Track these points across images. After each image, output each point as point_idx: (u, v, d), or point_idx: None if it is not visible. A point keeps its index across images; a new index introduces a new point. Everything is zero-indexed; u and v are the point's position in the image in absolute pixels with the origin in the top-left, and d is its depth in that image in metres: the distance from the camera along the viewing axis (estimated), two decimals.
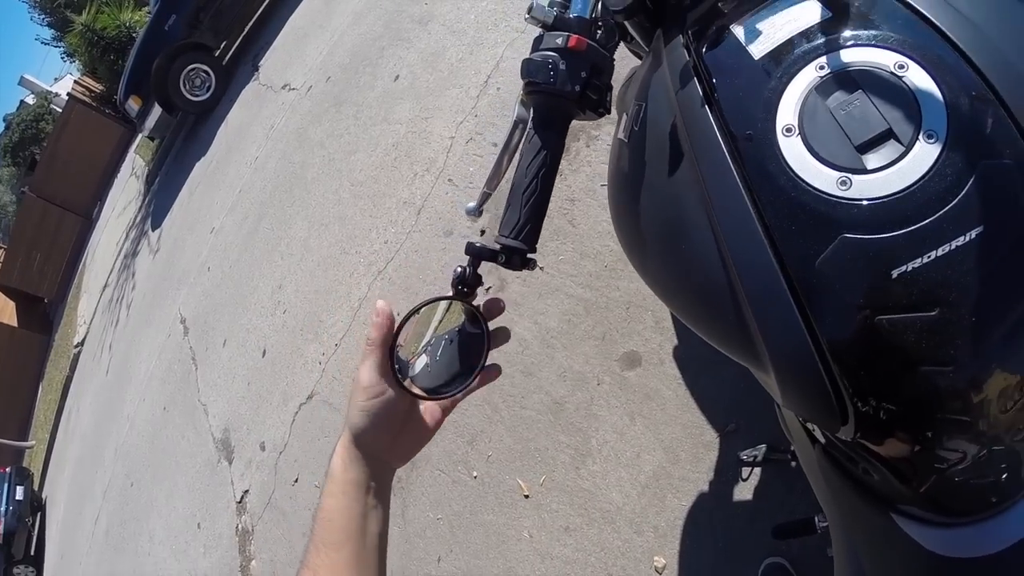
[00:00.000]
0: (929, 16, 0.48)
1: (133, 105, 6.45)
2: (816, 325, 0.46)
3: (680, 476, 1.58)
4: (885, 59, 0.47)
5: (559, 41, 0.54)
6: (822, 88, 0.48)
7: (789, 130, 0.48)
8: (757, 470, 1.44)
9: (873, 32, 0.49)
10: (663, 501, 1.58)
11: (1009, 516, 0.50)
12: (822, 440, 0.59)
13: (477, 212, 0.69)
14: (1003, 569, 0.50)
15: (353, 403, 0.51)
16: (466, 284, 0.53)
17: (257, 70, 5.70)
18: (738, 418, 1.54)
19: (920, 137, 0.45)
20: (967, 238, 0.43)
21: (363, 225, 3.02)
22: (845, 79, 0.48)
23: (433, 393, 0.55)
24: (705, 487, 1.53)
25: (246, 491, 2.90)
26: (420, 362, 0.57)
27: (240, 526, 2.84)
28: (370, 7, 4.14)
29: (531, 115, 0.57)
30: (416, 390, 0.54)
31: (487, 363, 0.56)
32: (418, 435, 0.56)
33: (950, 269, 0.43)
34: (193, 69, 6.14)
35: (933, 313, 0.43)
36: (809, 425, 0.62)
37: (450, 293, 0.54)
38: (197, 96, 6.28)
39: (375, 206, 3.02)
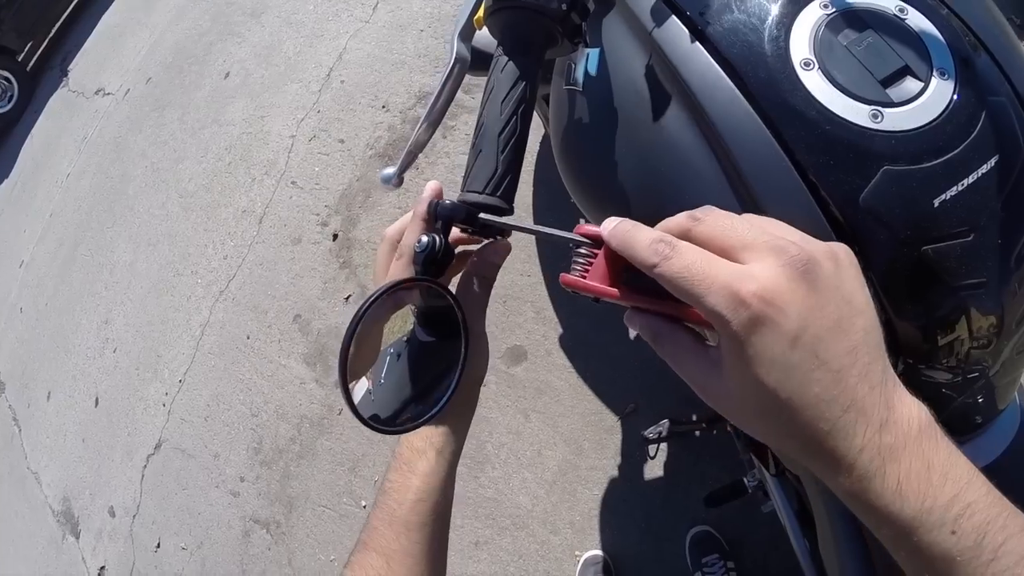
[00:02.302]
0: None
1: None
2: (862, 262, 0.43)
3: (587, 466, 1.36)
4: (885, 2, 0.44)
5: None
6: (832, 25, 0.43)
7: (808, 64, 0.42)
8: (664, 446, 1.29)
9: None
10: (574, 495, 1.35)
11: (990, 434, 0.52)
12: None
13: (398, 180, 0.51)
14: (992, 478, 0.53)
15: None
16: (436, 260, 0.36)
17: (66, 75, 4.49)
18: (636, 398, 1.35)
19: (934, 74, 0.42)
20: (988, 166, 0.41)
21: (197, 241, 2.40)
22: (852, 18, 0.43)
23: (385, 426, 0.36)
24: (615, 472, 1.33)
25: (102, 567, 2.22)
26: (360, 388, 0.38)
27: None
28: (195, 0, 3.35)
29: (502, 39, 0.41)
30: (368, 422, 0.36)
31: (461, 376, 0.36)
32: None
33: (979, 195, 0.41)
34: None
35: (969, 238, 0.41)
36: None
37: (415, 275, 0.35)
38: None
39: (209, 218, 2.41)
